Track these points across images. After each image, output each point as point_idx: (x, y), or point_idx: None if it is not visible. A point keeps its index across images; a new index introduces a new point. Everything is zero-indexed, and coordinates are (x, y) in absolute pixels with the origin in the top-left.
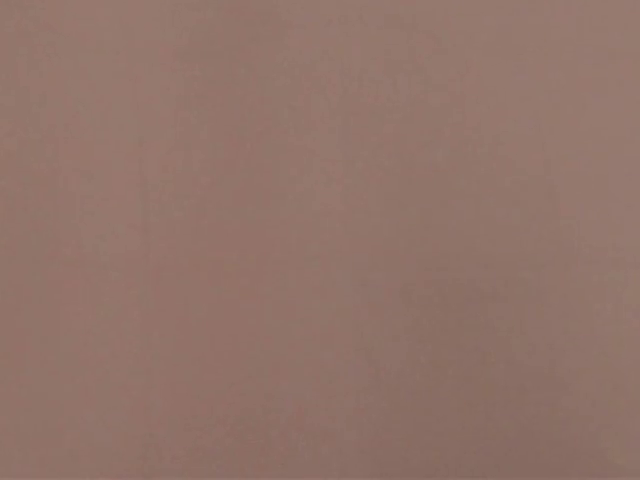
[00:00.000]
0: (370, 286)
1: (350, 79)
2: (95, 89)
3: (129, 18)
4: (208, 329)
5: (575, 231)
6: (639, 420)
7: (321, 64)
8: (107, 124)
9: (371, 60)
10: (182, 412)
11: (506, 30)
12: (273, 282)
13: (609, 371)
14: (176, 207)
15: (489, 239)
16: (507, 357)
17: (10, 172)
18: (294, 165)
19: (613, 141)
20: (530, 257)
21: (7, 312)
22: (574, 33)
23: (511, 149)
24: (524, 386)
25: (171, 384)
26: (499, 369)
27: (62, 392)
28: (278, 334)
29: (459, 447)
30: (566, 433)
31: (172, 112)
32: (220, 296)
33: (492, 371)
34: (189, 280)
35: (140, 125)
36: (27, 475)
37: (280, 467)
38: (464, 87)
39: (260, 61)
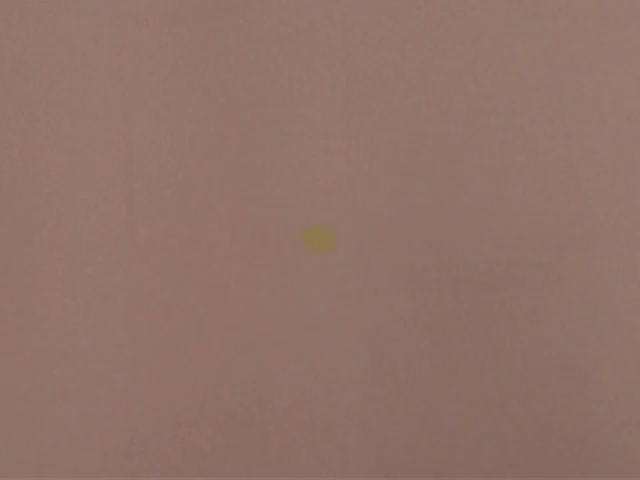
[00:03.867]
0: (374, 270)
1: (353, 44)
2: (75, 57)
3: None
4: (198, 317)
5: (598, 209)
6: None
7: (321, 27)
8: (88, 96)
9: (375, 23)
10: (170, 406)
11: None
12: (269, 266)
13: (634, 362)
14: (163, 185)
15: (503, 219)
16: (523, 347)
17: None
18: (291, 139)
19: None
20: (549, 238)
21: None
22: None
23: (528, 120)
24: (542, 378)
25: (158, 376)
26: (514, 360)
27: (41, 385)
28: (274, 322)
29: (470, 444)
30: (586, 429)
31: (159, 82)
32: (212, 282)
33: (506, 362)
34: (178, 265)
35: (124, 96)
36: (7, 475)
37: (276, 466)
38: (477, 52)
39: (255, 25)
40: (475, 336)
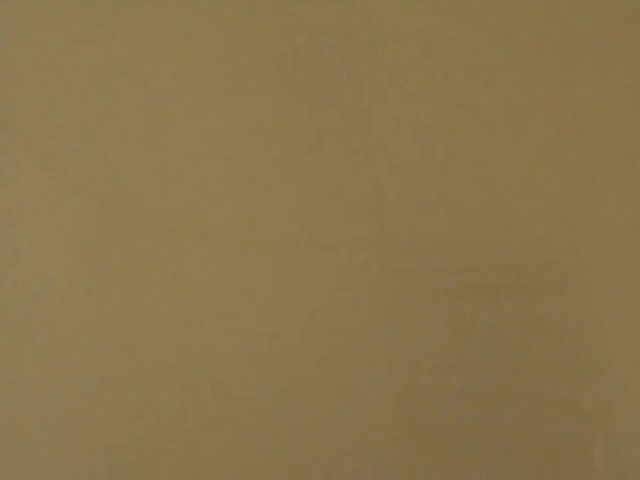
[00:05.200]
0: (398, 275)
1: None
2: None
3: None
4: (203, 321)
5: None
6: None
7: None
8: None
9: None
10: (169, 417)
11: None
12: (291, 272)
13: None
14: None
15: (530, 221)
16: (526, 348)
17: None
18: (310, 148)
19: None
20: (577, 240)
21: None
22: None
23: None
24: (544, 380)
25: (160, 381)
26: (517, 362)
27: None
28: (294, 327)
29: (473, 449)
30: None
31: None
32: (223, 286)
33: (508, 365)
34: (182, 261)
35: None
36: None
37: (278, 469)
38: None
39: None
40: (484, 337)
